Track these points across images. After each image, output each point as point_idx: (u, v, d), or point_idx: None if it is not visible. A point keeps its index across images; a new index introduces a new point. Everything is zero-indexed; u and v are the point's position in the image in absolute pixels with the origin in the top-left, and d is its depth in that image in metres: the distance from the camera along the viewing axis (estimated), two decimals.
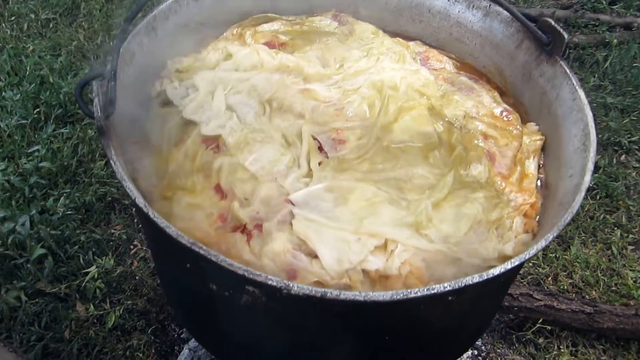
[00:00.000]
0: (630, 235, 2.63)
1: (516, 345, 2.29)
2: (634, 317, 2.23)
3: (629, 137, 2.91)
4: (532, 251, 1.07)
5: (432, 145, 1.39)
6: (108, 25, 3.59)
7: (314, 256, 1.17)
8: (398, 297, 0.98)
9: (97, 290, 2.19)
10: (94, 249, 2.28)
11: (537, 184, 1.39)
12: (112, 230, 2.42)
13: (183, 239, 1.03)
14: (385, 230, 1.19)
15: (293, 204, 1.25)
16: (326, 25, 1.73)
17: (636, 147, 2.90)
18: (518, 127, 1.48)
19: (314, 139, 1.39)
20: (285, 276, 1.15)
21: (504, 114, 1.50)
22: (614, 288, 2.45)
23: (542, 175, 1.42)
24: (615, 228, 2.66)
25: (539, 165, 1.44)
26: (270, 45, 1.65)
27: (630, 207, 2.71)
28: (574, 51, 3.34)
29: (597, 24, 3.55)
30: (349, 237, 1.18)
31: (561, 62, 1.41)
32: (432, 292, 0.99)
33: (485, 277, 1.02)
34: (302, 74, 1.53)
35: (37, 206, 2.40)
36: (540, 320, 2.27)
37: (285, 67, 1.52)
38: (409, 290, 0.99)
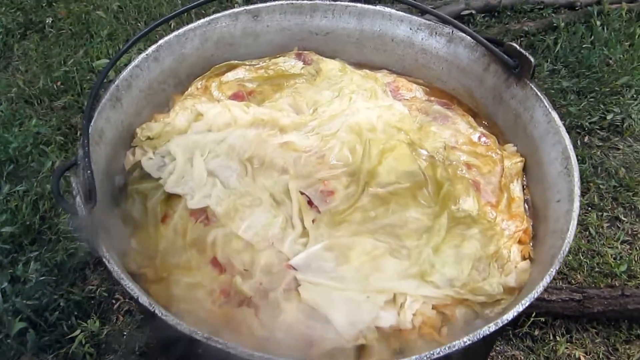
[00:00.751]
0: (605, 214, 2.75)
1: (514, 340, 2.37)
2: (621, 298, 2.35)
3: (589, 119, 3.03)
4: (539, 289, 1.12)
5: (419, 184, 1.43)
6: (48, 66, 3.48)
7: (327, 321, 1.20)
8: None
9: (87, 356, 2.16)
10: (75, 312, 2.24)
11: (524, 207, 1.45)
12: (90, 287, 2.38)
13: (197, 335, 1.04)
14: (392, 285, 1.22)
15: (295, 269, 1.27)
16: (291, 66, 1.74)
17: (597, 127, 3.03)
18: (497, 151, 1.53)
19: (302, 194, 1.41)
20: (302, 346, 1.18)
21: (482, 139, 1.56)
22: (597, 269, 2.56)
23: (527, 197, 1.49)
24: (590, 209, 2.77)
25: (522, 187, 1.50)
26: (238, 96, 1.66)
27: (600, 186, 2.83)
28: (525, 39, 3.45)
29: (542, 7, 3.66)
30: (358, 297, 1.21)
31: (531, 84, 1.47)
32: (454, 349, 1.04)
33: (500, 325, 1.07)
34: (278, 125, 1.54)
35: (7, 275, 2.34)
36: (534, 314, 2.36)
37: (259, 120, 1.53)
38: (431, 352, 1.02)
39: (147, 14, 3.51)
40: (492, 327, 1.06)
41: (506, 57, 1.49)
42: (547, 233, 1.32)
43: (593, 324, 2.41)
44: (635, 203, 2.77)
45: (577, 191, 1.27)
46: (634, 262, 2.56)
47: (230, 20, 1.72)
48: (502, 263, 1.32)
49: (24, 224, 2.57)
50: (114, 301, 2.34)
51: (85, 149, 1.25)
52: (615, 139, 3.00)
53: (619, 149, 2.97)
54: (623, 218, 2.74)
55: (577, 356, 2.30)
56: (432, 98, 1.70)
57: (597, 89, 3.16)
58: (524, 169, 1.51)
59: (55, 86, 3.33)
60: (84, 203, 1.17)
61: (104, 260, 1.14)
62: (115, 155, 1.47)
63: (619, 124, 3.05)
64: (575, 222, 1.22)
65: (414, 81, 1.75)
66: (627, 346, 2.34)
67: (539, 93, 1.45)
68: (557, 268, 1.16)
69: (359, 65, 1.80)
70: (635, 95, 3.20)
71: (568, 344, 2.35)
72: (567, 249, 1.18)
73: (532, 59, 1.43)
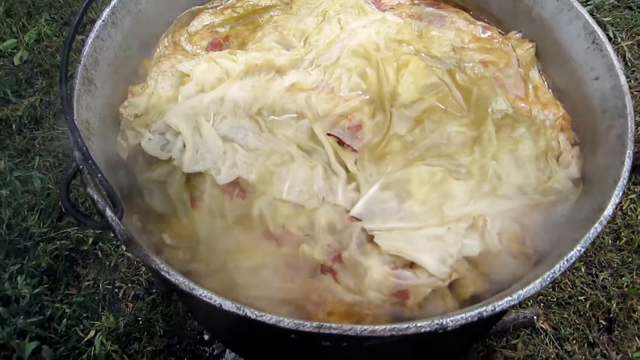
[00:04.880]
0: None
1: None
2: None
3: None
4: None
5: (443, 94, 1.22)
6: None
7: (415, 265, 1.01)
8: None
9: (113, 354, 1.88)
10: (84, 314, 1.93)
11: (550, 92, 1.29)
12: (87, 283, 2.06)
13: (306, 327, 0.82)
14: (469, 209, 1.04)
15: (359, 219, 1.05)
16: None
17: None
18: (506, 41, 1.33)
19: (329, 135, 1.17)
20: (398, 300, 0.99)
21: (486, 32, 1.35)
22: None
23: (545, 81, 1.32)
24: None
25: (539, 72, 1.32)
26: (215, 44, 1.34)
27: None
28: None
29: None
30: (438, 231, 1.02)
31: None
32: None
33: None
34: (274, 67, 1.25)
35: None
36: None
37: (253, 67, 1.24)
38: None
39: None
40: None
41: None
42: (592, 112, 1.16)
43: None
44: None
45: (617, 65, 1.11)
46: None
47: None
48: (556, 155, 1.16)
49: None
50: (116, 290, 2.04)
51: (83, 149, 0.94)
52: None
53: None
54: None
55: None
56: (416, 1, 1.45)
57: None
58: (537, 54, 1.33)
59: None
60: (115, 214, 0.88)
61: (163, 273, 0.87)
62: (107, 147, 1.15)
63: None
64: (629, 97, 1.07)
65: None
66: None
67: None
68: (632, 150, 1.01)
69: None
70: None
71: None
72: (632, 127, 1.03)
73: None
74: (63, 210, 2.15)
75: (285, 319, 0.83)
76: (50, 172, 2.24)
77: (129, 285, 2.04)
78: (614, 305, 1.97)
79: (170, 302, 1.96)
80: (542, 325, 1.92)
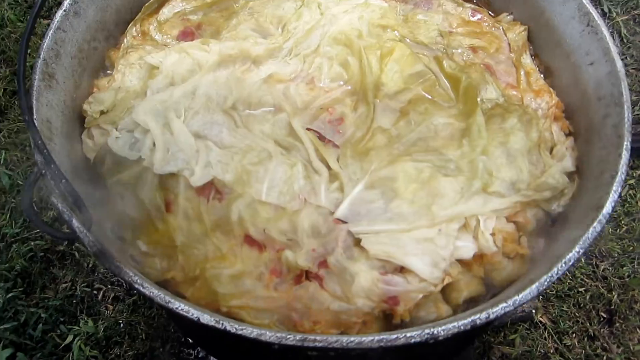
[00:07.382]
0: None
1: None
2: None
3: None
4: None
5: (430, 83, 1.18)
6: None
7: (405, 270, 0.97)
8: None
9: None
10: (61, 319, 1.88)
11: (542, 78, 1.25)
12: (64, 285, 1.99)
13: (289, 339, 0.79)
14: (460, 208, 1.00)
15: (344, 222, 1.01)
16: None
17: None
18: (496, 24, 1.29)
19: (309, 130, 1.12)
20: (387, 307, 0.95)
21: (476, 15, 1.30)
22: None
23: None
24: None
25: (531, 57, 1.28)
26: (187, 34, 1.27)
27: None
28: None
29: None
30: (429, 233, 0.98)
31: None
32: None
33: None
34: (250, 57, 1.20)
35: None
36: None
37: (227, 57, 1.18)
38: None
39: None
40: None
41: None
42: (587, 100, 1.12)
43: None
44: None
45: (613, 49, 1.07)
46: None
47: None
48: (549, 147, 1.13)
49: None
50: (95, 292, 1.97)
51: (44, 152, 0.88)
52: None
53: None
54: None
55: None
56: None
57: None
58: (529, 38, 1.29)
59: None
60: (82, 224, 0.83)
61: (137, 286, 0.83)
62: (73, 147, 1.09)
63: None
64: (626, 84, 1.03)
65: None
66: None
67: None
68: (629, 141, 0.98)
69: None
70: None
71: None
72: (629, 117, 1.00)
73: None
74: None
75: (267, 332, 0.80)
76: (18, 167, 2.16)
77: (109, 286, 1.98)
78: (615, 296, 1.93)
79: (152, 304, 1.91)
80: (540, 319, 1.89)
